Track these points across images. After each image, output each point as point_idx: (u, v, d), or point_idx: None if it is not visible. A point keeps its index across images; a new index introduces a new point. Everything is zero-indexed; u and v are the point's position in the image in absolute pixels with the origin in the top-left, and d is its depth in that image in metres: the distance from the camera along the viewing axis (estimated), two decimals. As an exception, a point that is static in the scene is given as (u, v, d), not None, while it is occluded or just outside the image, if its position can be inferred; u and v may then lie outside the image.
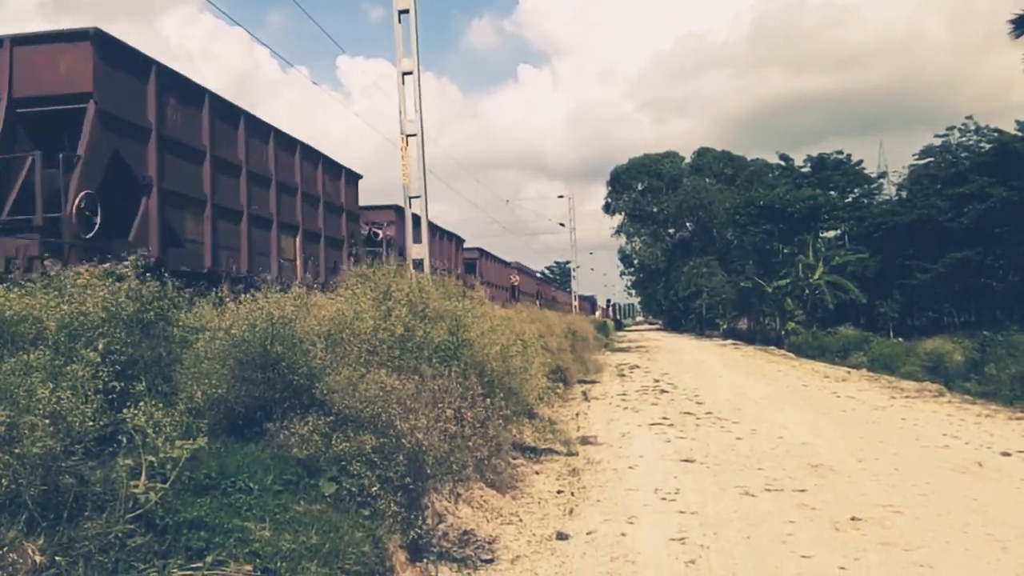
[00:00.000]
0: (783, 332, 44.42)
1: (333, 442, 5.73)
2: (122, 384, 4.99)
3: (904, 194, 52.53)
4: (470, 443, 6.45)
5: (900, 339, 33.45)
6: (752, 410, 16.16)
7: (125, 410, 4.33)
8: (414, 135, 14.90)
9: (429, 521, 6.67)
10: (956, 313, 47.89)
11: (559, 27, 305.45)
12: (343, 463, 5.68)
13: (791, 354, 36.91)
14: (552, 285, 74.17)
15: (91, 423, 4.19)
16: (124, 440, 4.61)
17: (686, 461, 10.85)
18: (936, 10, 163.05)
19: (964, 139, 49.60)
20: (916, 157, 53.96)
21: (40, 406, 3.94)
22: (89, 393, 4.36)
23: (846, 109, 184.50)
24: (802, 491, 8.89)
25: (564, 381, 19.83)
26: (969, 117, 50.29)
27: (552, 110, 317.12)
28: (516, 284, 41.60)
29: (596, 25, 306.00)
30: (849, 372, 26.27)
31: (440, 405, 6.45)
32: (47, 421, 3.90)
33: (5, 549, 3.64)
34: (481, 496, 8.29)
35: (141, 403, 4.37)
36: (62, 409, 4.03)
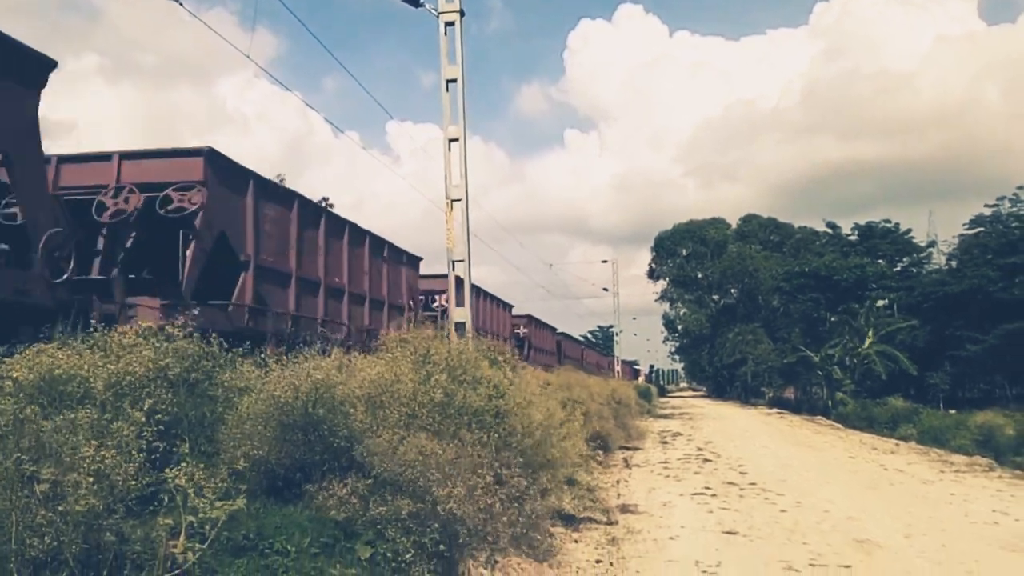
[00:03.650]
0: (830, 402, 43.51)
1: (370, 505, 5.74)
2: (165, 444, 5.08)
3: (954, 264, 51.67)
4: (504, 518, 6.38)
5: (951, 411, 32.62)
6: (797, 482, 15.79)
7: (167, 470, 4.39)
8: (459, 200, 15.09)
9: (464, 590, 6.58)
10: (1008, 386, 46.44)
11: (606, 94, 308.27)
12: (379, 527, 5.68)
13: (838, 424, 36.13)
14: (594, 350, 73.73)
15: (133, 482, 4.25)
16: (165, 499, 4.65)
17: (728, 533, 10.62)
18: (993, 78, 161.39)
19: (1015, 209, 48.78)
20: (966, 227, 53.19)
21: (84, 464, 4.00)
22: (133, 452, 4.43)
23: (899, 177, 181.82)
24: (847, 567, 8.64)
25: (605, 447, 19.60)
26: (1021, 187, 49.48)
27: (598, 175, 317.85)
28: (562, 348, 45.85)
29: (644, 92, 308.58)
30: (898, 444, 25.63)
31: (480, 471, 6.41)
32: (91, 479, 3.97)
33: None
34: (519, 564, 8.16)
35: (183, 463, 4.44)
36: (106, 468, 4.09)
